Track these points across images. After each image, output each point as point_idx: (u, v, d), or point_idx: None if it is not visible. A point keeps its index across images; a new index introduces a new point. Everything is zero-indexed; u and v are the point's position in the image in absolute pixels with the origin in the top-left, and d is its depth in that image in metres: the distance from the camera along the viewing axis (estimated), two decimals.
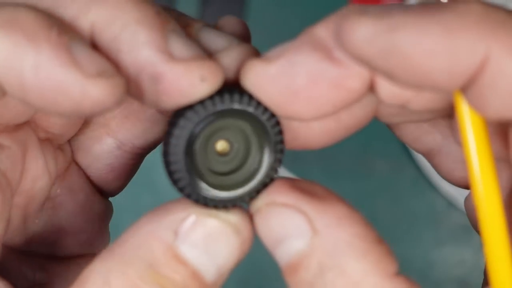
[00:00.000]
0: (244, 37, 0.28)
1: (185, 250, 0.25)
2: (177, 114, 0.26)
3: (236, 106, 0.25)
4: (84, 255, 0.32)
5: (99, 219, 0.32)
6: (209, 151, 0.26)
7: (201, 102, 0.25)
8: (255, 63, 0.25)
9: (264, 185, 0.27)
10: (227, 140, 0.27)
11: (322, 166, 0.78)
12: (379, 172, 0.80)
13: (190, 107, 0.25)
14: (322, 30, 0.24)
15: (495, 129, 0.26)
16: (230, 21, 0.29)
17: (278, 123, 0.26)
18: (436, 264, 0.77)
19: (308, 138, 0.27)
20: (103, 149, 0.32)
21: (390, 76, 0.22)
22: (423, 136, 0.29)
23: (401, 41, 0.21)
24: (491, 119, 0.22)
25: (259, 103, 0.25)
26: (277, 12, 0.81)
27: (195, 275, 0.26)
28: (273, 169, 0.27)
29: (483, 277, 0.28)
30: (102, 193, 0.33)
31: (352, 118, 0.27)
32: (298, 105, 0.25)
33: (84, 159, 0.32)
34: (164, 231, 0.25)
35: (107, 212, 0.33)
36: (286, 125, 0.27)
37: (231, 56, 0.26)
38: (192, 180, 0.26)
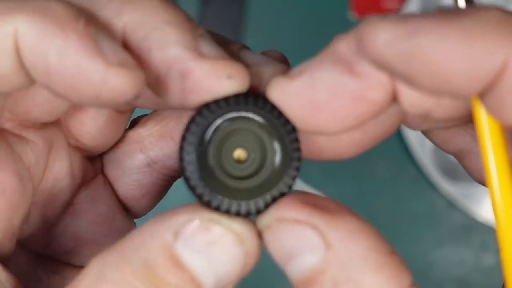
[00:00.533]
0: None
1: (184, 253, 0.25)
2: (198, 111, 0.26)
3: (258, 111, 0.26)
4: None
5: (118, 235, 0.32)
6: (224, 154, 0.26)
7: (225, 99, 0.25)
8: (280, 79, 0.25)
9: (273, 200, 0.26)
10: (245, 148, 0.26)
11: (322, 166, 0.78)
12: (379, 172, 0.80)
13: (212, 102, 0.25)
14: (343, 45, 0.25)
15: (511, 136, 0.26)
16: (271, 52, 0.29)
17: (297, 139, 0.26)
18: (436, 264, 0.77)
19: (336, 150, 0.27)
20: (133, 164, 0.32)
21: (411, 81, 0.23)
22: (452, 138, 0.29)
23: (421, 44, 0.21)
24: (508, 125, 0.22)
25: (281, 115, 0.26)
26: (277, 12, 0.81)
27: (192, 281, 0.25)
28: (285, 184, 0.26)
29: (489, 279, 0.27)
30: (127, 211, 0.33)
31: (379, 128, 0.27)
32: (321, 119, 0.25)
33: (113, 172, 0.33)
34: (165, 232, 0.25)
35: (129, 229, 0.31)
36: (313, 138, 0.27)
37: (265, 70, 0.27)
38: (201, 178, 0.26)
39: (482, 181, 0.29)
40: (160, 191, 0.32)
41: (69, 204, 0.31)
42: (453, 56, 0.21)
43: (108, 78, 0.24)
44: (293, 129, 0.26)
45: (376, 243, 0.25)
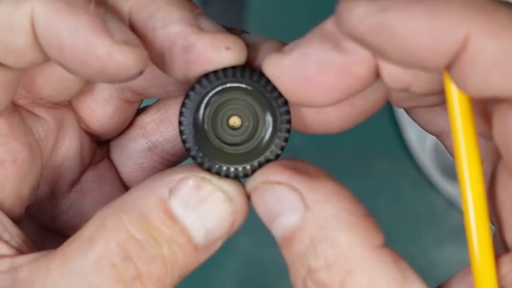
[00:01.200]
0: None
1: (176, 207, 0.28)
2: (198, 80, 0.28)
3: (253, 84, 0.28)
4: None
5: None
6: (219, 121, 0.29)
7: (223, 70, 0.28)
8: (273, 55, 0.28)
9: (259, 166, 0.29)
10: (239, 116, 0.29)
11: (322, 166, 0.77)
12: (379, 172, 0.80)
13: (211, 72, 0.28)
14: (330, 24, 0.27)
15: (481, 109, 0.28)
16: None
17: (288, 112, 0.28)
18: (436, 264, 0.77)
19: (325, 123, 0.29)
20: (136, 148, 0.35)
21: (382, 54, 0.24)
22: (435, 119, 0.31)
23: (390, 20, 0.23)
24: (472, 96, 0.24)
25: (274, 88, 0.28)
26: (277, 12, 0.81)
27: (183, 232, 0.28)
28: (272, 153, 0.29)
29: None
30: None
31: (365, 103, 0.29)
32: (310, 92, 0.27)
33: (118, 157, 0.35)
34: (161, 188, 0.28)
35: None
36: (304, 110, 0.29)
37: (262, 47, 0.29)
38: (196, 142, 0.28)
39: None
40: None
41: (76, 182, 0.34)
42: (418, 30, 0.23)
43: (113, 54, 0.26)
44: (285, 103, 0.28)
45: (350, 205, 0.27)
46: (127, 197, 0.28)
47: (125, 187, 0.35)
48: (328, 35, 0.27)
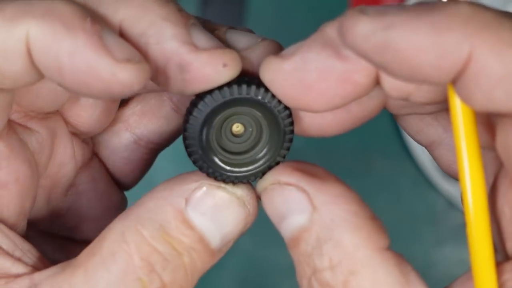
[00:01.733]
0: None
1: (194, 216, 0.28)
2: (198, 97, 0.28)
3: (252, 96, 0.28)
4: None
5: (114, 209, 0.35)
6: (224, 131, 0.29)
7: (220, 88, 0.28)
8: (272, 60, 0.27)
9: (270, 168, 0.30)
10: (242, 124, 0.29)
11: (322, 166, 0.77)
12: (379, 172, 0.80)
13: (209, 92, 0.28)
14: (332, 30, 0.27)
15: (484, 120, 0.28)
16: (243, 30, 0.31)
17: (290, 115, 0.29)
18: (436, 264, 0.77)
19: (321, 127, 0.30)
20: (121, 143, 0.35)
21: (386, 70, 0.25)
22: (425, 128, 0.31)
23: (394, 37, 0.24)
24: (477, 110, 0.25)
25: (273, 96, 0.28)
26: (277, 12, 0.81)
27: (201, 240, 0.29)
28: (280, 155, 0.29)
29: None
30: (118, 186, 0.36)
31: (362, 110, 0.29)
32: (309, 98, 0.27)
33: (103, 152, 0.35)
34: (177, 198, 0.28)
35: (122, 203, 0.36)
36: (301, 114, 0.29)
37: (256, 51, 0.29)
38: (204, 154, 0.29)
39: (450, 173, 0.31)
40: (146, 164, 0.35)
41: (71, 185, 0.34)
42: (422, 48, 0.23)
43: (117, 73, 0.26)
44: (285, 107, 0.28)
45: (357, 207, 0.27)
46: (143, 209, 0.28)
47: (115, 181, 0.36)
48: (329, 41, 0.27)
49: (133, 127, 0.35)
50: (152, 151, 0.35)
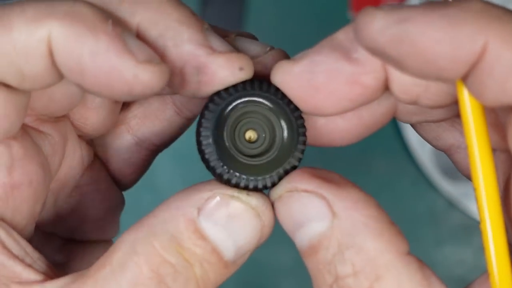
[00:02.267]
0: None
1: (206, 226, 0.28)
2: (210, 99, 0.28)
3: (264, 94, 0.28)
4: (98, 241, 0.35)
5: (115, 209, 0.36)
6: (238, 137, 0.29)
7: (234, 86, 0.28)
8: (283, 63, 0.28)
9: (286, 173, 0.29)
10: (255, 130, 0.29)
11: (323, 166, 0.77)
12: (379, 172, 0.80)
13: (225, 89, 0.28)
14: (342, 34, 0.27)
15: (493, 121, 0.28)
16: (248, 36, 0.32)
17: (301, 116, 0.29)
18: (436, 264, 0.77)
19: (332, 135, 0.30)
20: (122, 145, 0.35)
21: (400, 65, 0.25)
22: (443, 134, 0.31)
23: (410, 30, 0.24)
24: (489, 105, 0.25)
25: (284, 96, 0.28)
26: (277, 12, 0.81)
27: (215, 251, 0.28)
28: (295, 158, 0.29)
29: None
30: (118, 186, 0.36)
31: (373, 116, 0.30)
32: (318, 99, 0.28)
33: (104, 153, 0.35)
34: (189, 208, 0.28)
35: (121, 203, 0.36)
36: (312, 122, 0.30)
37: (266, 59, 0.30)
38: (219, 158, 0.28)
39: (470, 177, 0.31)
40: (146, 165, 0.35)
41: (76, 187, 0.34)
42: (438, 40, 0.24)
43: (138, 74, 0.26)
44: (296, 108, 0.29)
45: (377, 213, 0.27)
46: (155, 219, 0.28)
47: (115, 181, 0.35)
48: (339, 45, 0.27)
49: (135, 129, 0.34)
50: (153, 152, 0.35)
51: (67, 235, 0.35)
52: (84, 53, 0.26)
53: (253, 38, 0.32)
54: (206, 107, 0.28)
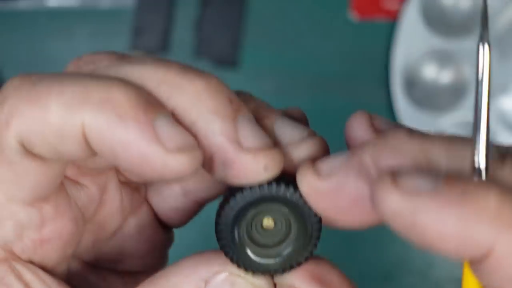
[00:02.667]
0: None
1: None
2: (233, 191, 0.30)
3: (282, 195, 0.29)
4: (143, 272, 0.37)
5: (160, 247, 0.37)
6: (255, 224, 0.30)
7: (251, 187, 0.29)
8: (308, 175, 0.29)
9: (291, 267, 0.30)
10: (273, 219, 0.30)
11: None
12: None
13: (241, 189, 0.29)
14: (368, 158, 0.28)
15: None
16: (292, 111, 0.33)
17: (319, 222, 0.30)
18: (436, 264, 0.77)
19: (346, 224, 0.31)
20: (171, 194, 0.35)
21: (408, 236, 0.26)
22: None
23: (421, 221, 0.25)
24: None
25: (305, 202, 0.29)
26: (277, 12, 0.81)
27: None
28: (302, 257, 0.30)
29: None
30: (166, 225, 0.37)
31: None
32: (341, 218, 0.29)
33: (153, 199, 0.36)
34: (198, 279, 0.30)
35: (168, 241, 0.37)
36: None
37: (300, 150, 0.30)
38: (233, 243, 0.30)
39: None
40: (193, 212, 0.36)
41: (118, 230, 0.35)
42: (446, 236, 0.25)
43: (168, 163, 0.27)
44: (316, 214, 0.29)
45: None
46: (165, 281, 0.30)
47: (162, 223, 0.36)
48: (365, 169, 0.28)
49: (184, 182, 0.35)
50: (200, 204, 0.36)
51: (109, 266, 0.35)
52: (115, 141, 0.27)
53: (300, 114, 0.33)
54: (226, 200, 0.30)
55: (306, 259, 0.30)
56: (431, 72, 0.79)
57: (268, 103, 0.32)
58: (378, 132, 0.29)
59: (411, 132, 0.27)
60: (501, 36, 0.79)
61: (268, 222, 0.30)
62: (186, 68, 0.29)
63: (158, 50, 0.80)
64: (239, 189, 0.29)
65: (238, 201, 0.29)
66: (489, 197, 0.24)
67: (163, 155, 0.27)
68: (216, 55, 0.79)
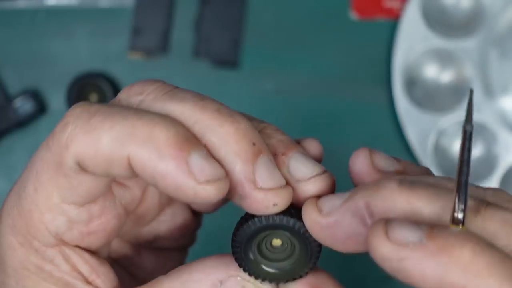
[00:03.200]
0: (319, 158, 0.39)
1: None
2: (248, 215, 0.36)
3: (292, 228, 0.35)
4: (174, 249, 0.43)
5: (191, 229, 0.43)
6: (265, 241, 0.36)
7: (270, 215, 0.35)
8: (313, 211, 0.35)
9: (293, 279, 0.37)
10: (281, 239, 0.36)
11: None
12: None
13: (254, 217, 0.35)
14: (362, 204, 0.33)
15: None
16: (312, 144, 0.39)
17: (319, 246, 0.36)
18: None
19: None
20: None
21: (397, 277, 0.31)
22: None
23: (407, 267, 0.30)
24: None
25: (307, 231, 0.35)
26: (277, 12, 0.81)
27: None
28: (303, 272, 0.36)
29: None
30: (197, 212, 0.43)
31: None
32: (339, 246, 0.34)
33: None
34: (215, 278, 0.36)
35: (198, 224, 0.43)
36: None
37: (309, 186, 0.36)
38: (245, 256, 0.36)
39: None
40: (223, 202, 0.41)
41: (155, 219, 0.42)
42: (428, 279, 0.29)
43: (198, 193, 0.33)
44: (316, 241, 0.35)
45: None
46: (188, 275, 0.36)
47: (192, 211, 0.43)
48: (359, 212, 0.33)
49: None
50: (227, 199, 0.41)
51: (145, 245, 0.42)
52: (155, 173, 0.33)
53: (316, 147, 0.39)
54: (241, 224, 0.35)
55: (307, 273, 0.36)
56: (431, 72, 0.79)
57: (288, 136, 0.37)
58: (377, 170, 0.35)
59: (401, 183, 0.32)
60: (501, 36, 0.79)
61: (276, 241, 0.36)
62: (220, 110, 0.34)
63: (158, 50, 0.80)
64: (254, 215, 0.35)
65: (251, 226, 0.35)
66: (464, 249, 0.29)
67: (194, 186, 0.33)
68: (216, 55, 0.79)
